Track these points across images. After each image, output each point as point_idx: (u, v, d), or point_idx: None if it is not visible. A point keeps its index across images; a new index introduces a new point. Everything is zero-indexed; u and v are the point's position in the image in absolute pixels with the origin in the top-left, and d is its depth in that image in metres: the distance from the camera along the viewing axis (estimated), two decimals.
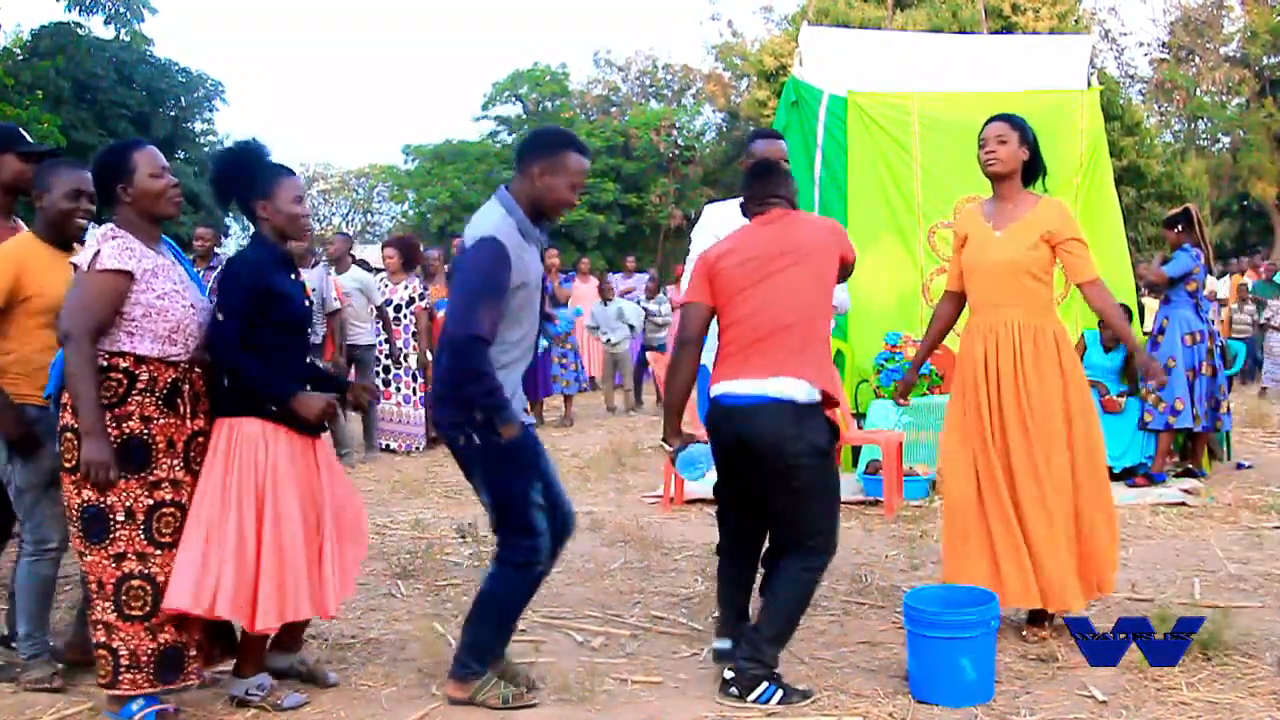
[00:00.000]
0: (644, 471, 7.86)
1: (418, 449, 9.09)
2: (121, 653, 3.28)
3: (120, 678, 3.29)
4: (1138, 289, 8.87)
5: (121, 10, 18.59)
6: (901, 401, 4.56)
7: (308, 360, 3.75)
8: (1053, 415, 3.98)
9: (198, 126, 21.90)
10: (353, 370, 8.65)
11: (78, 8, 18.24)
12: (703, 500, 6.38)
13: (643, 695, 3.63)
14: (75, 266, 3.32)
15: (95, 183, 3.52)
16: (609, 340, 11.79)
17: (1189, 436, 7.33)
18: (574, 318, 11.54)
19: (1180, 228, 7.32)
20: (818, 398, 3.56)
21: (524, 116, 32.11)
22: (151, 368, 3.34)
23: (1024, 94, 7.71)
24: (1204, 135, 29.02)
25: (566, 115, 31.06)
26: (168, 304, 3.35)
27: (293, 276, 3.63)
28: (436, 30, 63.83)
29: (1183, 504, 6.46)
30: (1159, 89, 28.32)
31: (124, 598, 3.28)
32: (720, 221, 4.44)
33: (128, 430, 3.29)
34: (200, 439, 3.45)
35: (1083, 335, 7.48)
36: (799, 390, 3.51)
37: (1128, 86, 27.99)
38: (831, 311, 3.68)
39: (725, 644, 3.84)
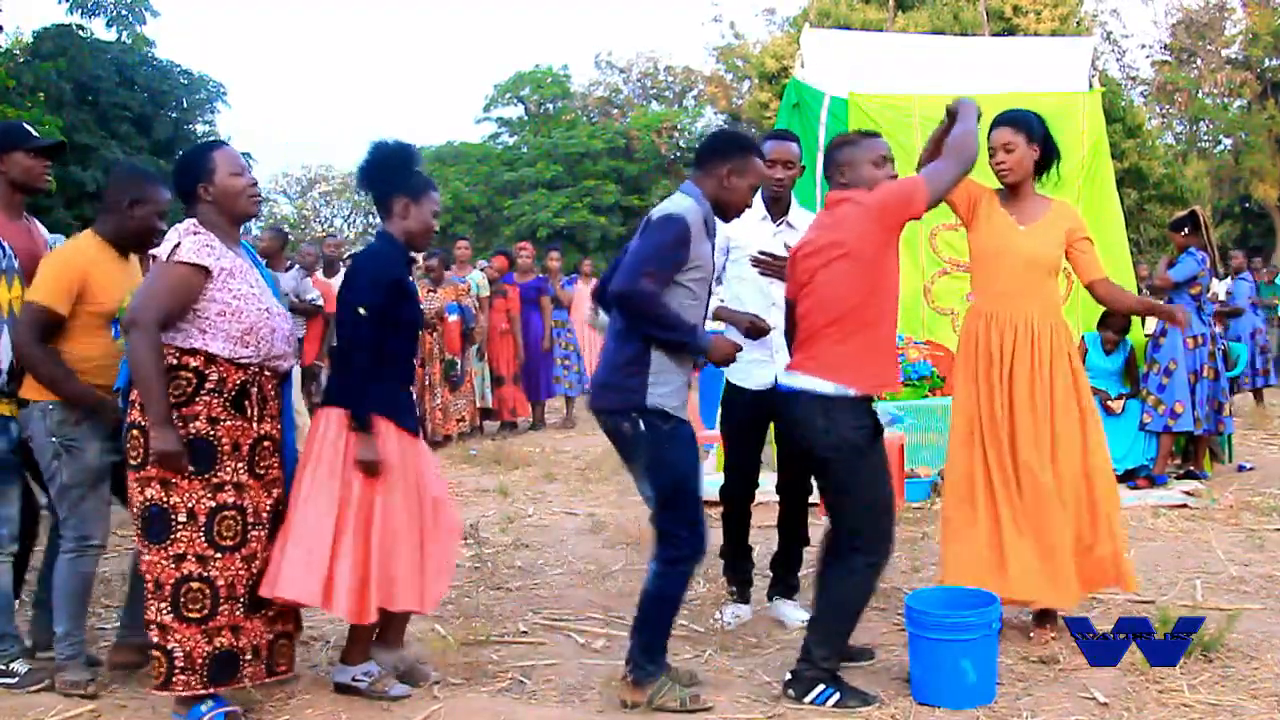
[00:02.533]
0: None
1: None
2: (176, 654, 3.28)
3: (174, 679, 3.28)
4: (1139, 291, 8.85)
5: (123, 13, 18.59)
6: None
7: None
8: (1070, 414, 4.01)
9: (200, 128, 21.82)
10: None
11: (79, 10, 18.23)
12: (705, 502, 6.37)
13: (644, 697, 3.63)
14: (154, 257, 3.36)
15: (177, 183, 3.53)
16: None
17: (1190, 439, 7.33)
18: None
19: (1187, 230, 7.30)
20: (850, 393, 3.53)
21: (525, 118, 32.14)
22: (221, 368, 3.35)
23: (1025, 96, 7.67)
24: (1206, 137, 28.98)
25: (568, 117, 31.07)
26: (243, 305, 3.38)
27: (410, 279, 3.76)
28: (438, 32, 63.86)
29: (1184, 506, 6.46)
30: (1161, 91, 28.29)
31: (182, 599, 3.27)
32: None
33: (194, 430, 3.30)
34: (266, 443, 3.48)
35: (1083, 338, 7.48)
36: (826, 385, 3.53)
37: (1129, 88, 27.95)
38: (888, 295, 3.62)
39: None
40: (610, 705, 3.55)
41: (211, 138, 22.60)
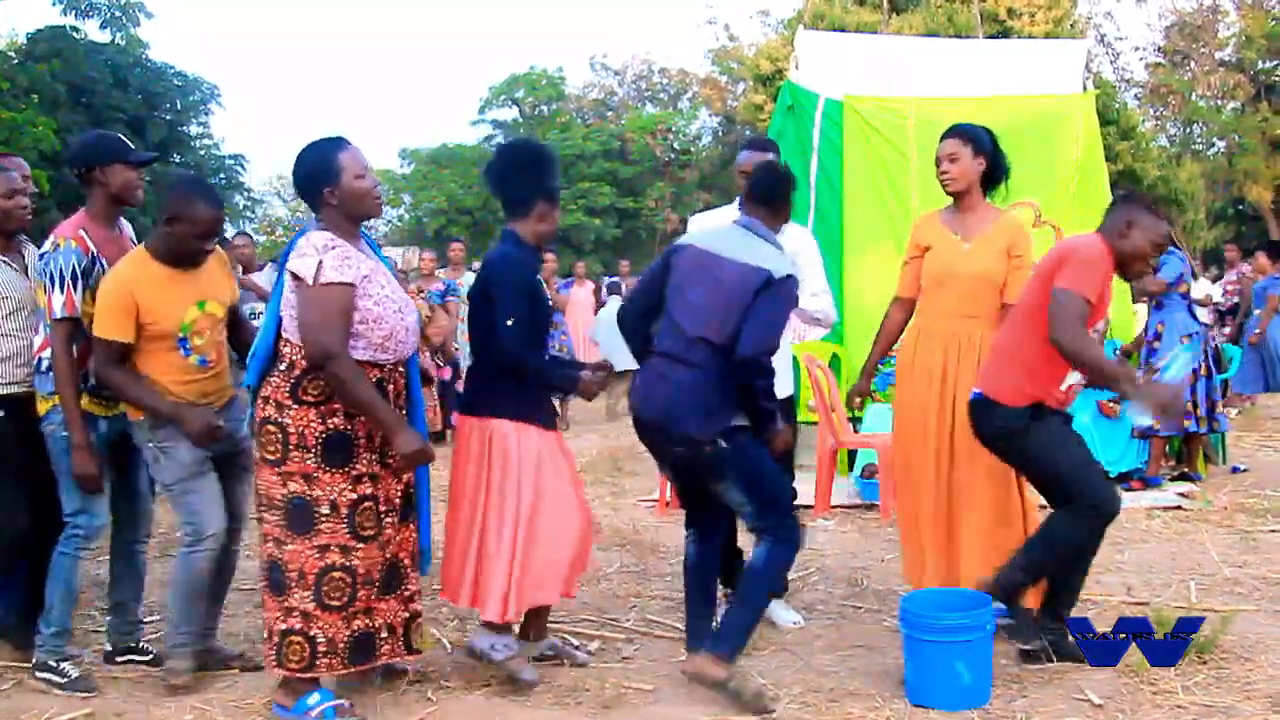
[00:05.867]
0: (640, 475, 7.84)
1: None
2: (319, 640, 3.39)
3: (317, 662, 3.39)
4: (1132, 296, 8.84)
5: (117, 14, 18.58)
6: (857, 408, 4.75)
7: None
8: None
9: (193, 130, 21.81)
10: None
11: (73, 12, 18.22)
12: None
13: (639, 700, 3.63)
14: (296, 276, 3.32)
15: (300, 184, 3.50)
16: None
17: (1185, 440, 7.34)
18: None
19: None
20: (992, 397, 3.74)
21: (520, 120, 32.13)
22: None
23: (1020, 98, 7.72)
24: (1199, 139, 29.04)
25: (562, 119, 31.06)
26: (383, 310, 3.41)
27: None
28: (432, 34, 63.82)
29: (1178, 508, 6.47)
30: (1154, 93, 28.33)
31: (324, 588, 3.37)
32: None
33: (332, 426, 3.37)
34: None
35: None
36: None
37: (1123, 91, 27.96)
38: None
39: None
40: (606, 709, 3.55)
41: (205, 140, 22.60)
